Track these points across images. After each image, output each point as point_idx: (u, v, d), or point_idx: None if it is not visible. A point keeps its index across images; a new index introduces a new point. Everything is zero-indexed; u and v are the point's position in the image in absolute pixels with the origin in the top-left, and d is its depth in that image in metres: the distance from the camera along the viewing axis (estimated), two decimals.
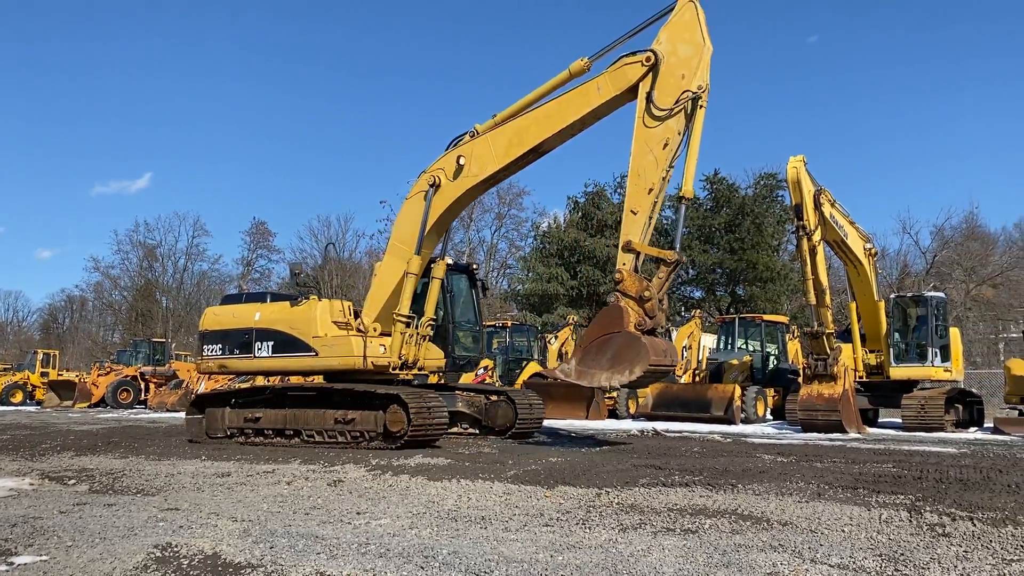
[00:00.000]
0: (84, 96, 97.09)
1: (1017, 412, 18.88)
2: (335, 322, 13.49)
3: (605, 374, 11.05)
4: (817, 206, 16.92)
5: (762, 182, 46.74)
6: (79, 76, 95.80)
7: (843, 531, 6.23)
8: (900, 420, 18.94)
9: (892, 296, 21.14)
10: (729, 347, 25.49)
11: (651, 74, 11.59)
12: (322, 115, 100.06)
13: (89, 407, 33.89)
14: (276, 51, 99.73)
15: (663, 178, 11.54)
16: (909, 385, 19.41)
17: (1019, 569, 5.03)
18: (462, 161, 13.07)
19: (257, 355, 14.06)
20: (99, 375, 35.53)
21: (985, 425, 20.08)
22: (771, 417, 23.02)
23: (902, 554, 5.43)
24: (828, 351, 17.20)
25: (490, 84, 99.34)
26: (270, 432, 13.64)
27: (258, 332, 14.08)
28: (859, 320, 20.10)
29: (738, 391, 21.64)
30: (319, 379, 14.55)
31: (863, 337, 20.11)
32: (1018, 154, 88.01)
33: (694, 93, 11.33)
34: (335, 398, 13.06)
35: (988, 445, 14.61)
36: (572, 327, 29.85)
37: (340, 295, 53.49)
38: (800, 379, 18.05)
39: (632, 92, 11.84)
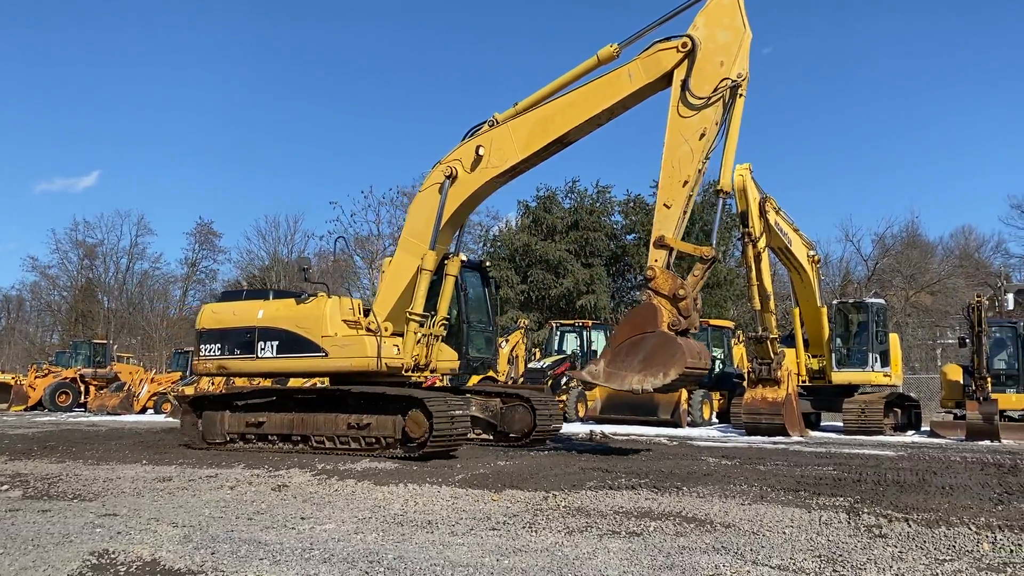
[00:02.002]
0: (28, 89, 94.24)
1: (952, 416, 19.41)
2: (344, 321, 12.73)
3: (636, 376, 10.48)
4: (762, 213, 17.21)
5: (710, 189, 47.36)
6: (25, 68, 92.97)
7: (784, 533, 6.34)
8: (841, 424, 19.34)
9: (834, 302, 21.58)
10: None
11: (687, 61, 11.04)
12: (272, 114, 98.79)
13: (25, 410, 32.87)
14: (229, 48, 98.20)
15: (699, 170, 10.98)
16: (850, 389, 19.82)
17: (951, 569, 5.18)
18: (481, 151, 12.37)
19: (260, 355, 13.13)
20: (36, 377, 34.49)
21: (922, 428, 20.61)
22: (717, 420, 23.33)
23: (840, 555, 5.56)
24: (772, 356, 17.51)
25: (452, 85, 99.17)
26: (274, 437, 12.78)
27: (261, 331, 13.16)
28: (802, 326, 20.48)
29: (685, 395, 21.89)
30: (322, 381, 13.99)
31: (806, 342, 20.50)
32: (957, 165, 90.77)
33: (733, 81, 10.79)
34: (348, 401, 12.26)
35: (924, 448, 15.01)
36: (523, 331, 29.90)
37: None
38: (745, 383, 18.33)
39: (666, 80, 11.28)
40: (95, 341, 41.37)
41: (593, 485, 8.82)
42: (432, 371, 13.37)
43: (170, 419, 25.20)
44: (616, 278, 47.88)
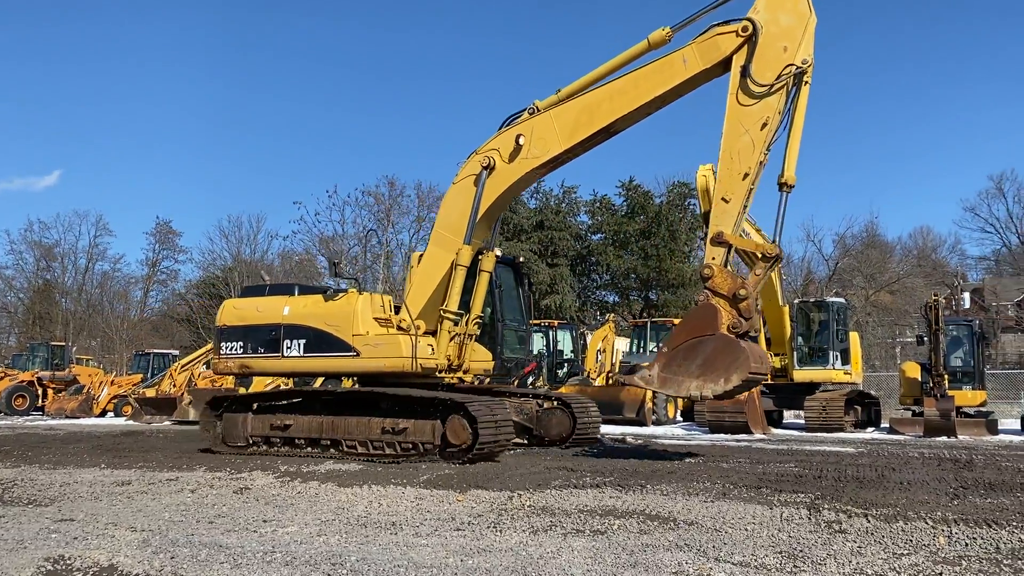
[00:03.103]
0: None
1: (911, 413, 19.78)
2: (376, 319, 12.13)
3: (695, 382, 9.79)
4: None
5: (675, 190, 47.82)
6: None
7: (746, 530, 6.40)
8: (803, 421, 19.61)
9: (796, 302, 21.88)
10: (641, 350, 26.00)
11: (747, 46, 10.44)
12: (234, 112, 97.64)
13: None
14: (189, 46, 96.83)
15: (760, 162, 10.34)
16: (811, 387, 20.11)
17: (908, 563, 5.26)
18: (521, 141, 11.70)
19: (286, 354, 12.44)
20: None
21: (882, 425, 20.99)
22: (681, 419, 23.53)
23: (801, 551, 5.62)
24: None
25: (419, 82, 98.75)
26: (301, 441, 12.19)
27: (287, 328, 12.49)
28: (764, 324, 20.71)
29: (649, 394, 22.04)
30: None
31: (768, 341, 20.73)
32: (915, 167, 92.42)
33: (798, 67, 10.20)
34: (381, 404, 11.64)
35: (884, 444, 15.27)
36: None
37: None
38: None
39: (723, 66, 10.69)
40: (53, 343, 40.54)
41: (558, 484, 8.84)
42: (465, 372, 12.81)
43: (130, 422, 24.84)
44: (581, 278, 48.08)
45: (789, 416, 22.64)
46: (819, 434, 18.20)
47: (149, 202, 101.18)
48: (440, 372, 12.17)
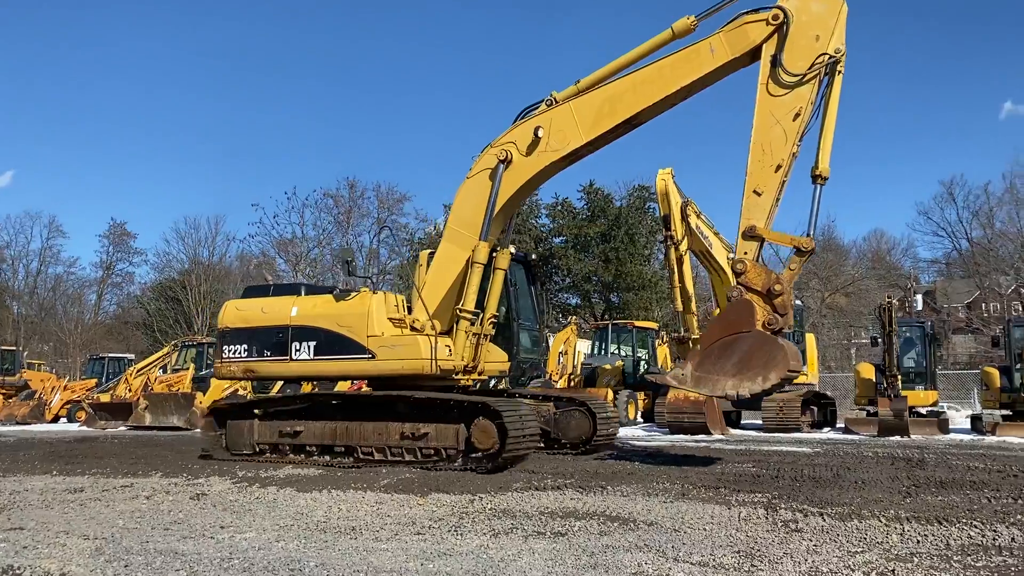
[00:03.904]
0: None
1: (866, 413, 20.13)
2: (390, 319, 11.63)
3: (731, 381, 9.41)
4: (684, 217, 17.57)
5: (635, 194, 48.23)
6: None
7: (704, 529, 6.47)
8: (761, 421, 19.86)
9: None
10: (603, 352, 26.16)
11: (777, 35, 10.20)
12: (190, 113, 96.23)
13: None
14: (143, 46, 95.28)
15: (792, 154, 10.06)
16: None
17: (862, 560, 5.36)
18: (540, 133, 11.28)
19: (295, 357, 11.86)
20: None
21: (837, 425, 21.33)
22: (642, 420, 23.70)
23: (758, 550, 5.69)
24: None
25: (378, 86, 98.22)
26: (313, 448, 11.65)
27: (295, 330, 11.92)
28: None
29: (611, 395, 22.18)
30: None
31: None
32: (870, 172, 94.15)
33: (831, 57, 9.95)
34: (398, 408, 11.15)
35: (839, 444, 15.53)
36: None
37: (209, 300, 51.64)
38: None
39: (751, 56, 10.43)
40: (3, 348, 39.53)
41: (519, 487, 8.85)
42: (480, 374, 12.34)
43: (84, 428, 24.35)
44: (543, 281, 48.21)
45: (747, 417, 22.90)
46: (776, 434, 18.45)
47: (104, 203, 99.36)
48: (456, 374, 11.72)
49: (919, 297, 58.66)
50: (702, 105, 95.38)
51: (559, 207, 48.01)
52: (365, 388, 22.36)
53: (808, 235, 10.05)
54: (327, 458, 11.43)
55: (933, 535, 6.14)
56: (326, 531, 6.58)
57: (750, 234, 10.02)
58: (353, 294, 11.95)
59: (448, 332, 11.69)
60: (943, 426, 18.71)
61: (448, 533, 6.42)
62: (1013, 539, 5.99)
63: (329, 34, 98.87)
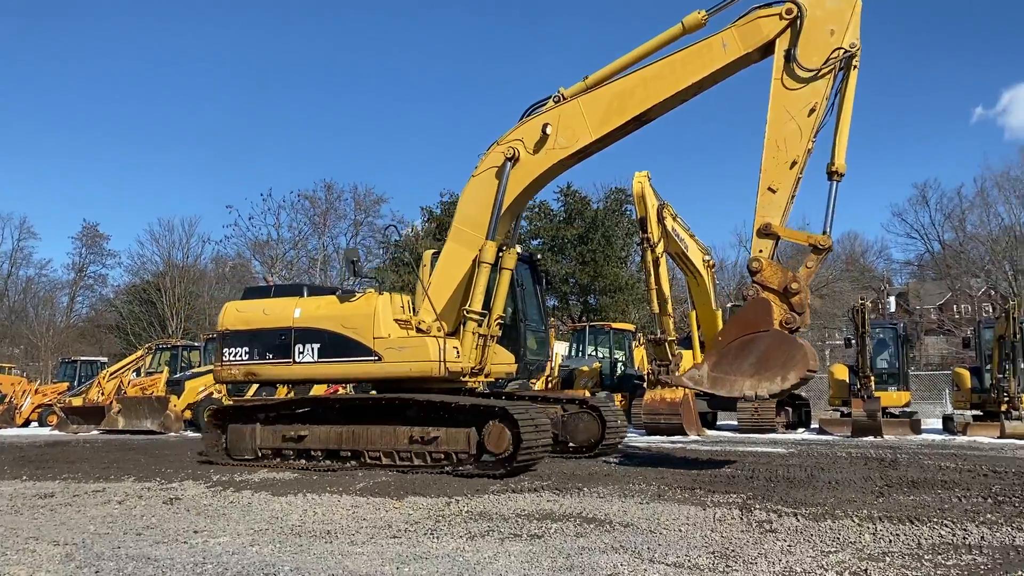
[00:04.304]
0: None
1: (839, 413, 20.36)
2: (396, 320, 11.39)
3: (749, 381, 9.26)
4: (660, 220, 17.61)
5: (612, 196, 48.40)
6: None
7: (680, 530, 6.50)
8: (736, 422, 19.99)
9: (728, 306, 22.32)
10: (580, 354, 26.22)
11: (790, 29, 10.09)
12: (165, 113, 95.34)
13: None
14: (115, 46, 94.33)
15: (807, 150, 9.94)
16: None
17: (836, 560, 5.41)
18: (548, 130, 11.10)
19: (298, 360, 11.59)
20: None
21: (812, 426, 21.54)
22: None
23: (733, 551, 5.73)
24: (670, 357, 17.96)
25: (353, 87, 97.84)
26: (318, 453, 11.33)
27: (299, 332, 11.65)
28: (699, 328, 21.07)
29: (588, 396, 22.23)
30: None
31: (702, 344, 21.07)
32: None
33: (847, 51, 9.84)
34: (407, 412, 10.86)
35: (813, 445, 15.67)
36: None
37: (183, 303, 51.16)
38: (645, 384, 18.75)
39: (764, 51, 10.32)
40: None
41: (496, 489, 8.85)
42: (486, 376, 12.12)
43: (55, 432, 24.03)
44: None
45: (723, 418, 23.06)
46: (751, 435, 18.60)
47: (76, 205, 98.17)
48: (464, 376, 11.50)
49: (892, 299, 59.39)
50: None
51: (536, 209, 48.03)
52: (342, 391, 22.21)
53: (825, 232, 9.93)
54: (327, 462, 11.21)
55: (905, 534, 6.21)
56: (301, 535, 6.54)
57: (765, 232, 9.89)
58: (358, 295, 11.72)
59: (453, 333, 11.52)
60: (915, 426, 18.95)
61: (424, 536, 6.40)
62: (983, 538, 6.08)
63: (306, 37, 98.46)
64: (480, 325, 11.52)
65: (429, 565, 5.42)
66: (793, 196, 10.00)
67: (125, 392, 24.71)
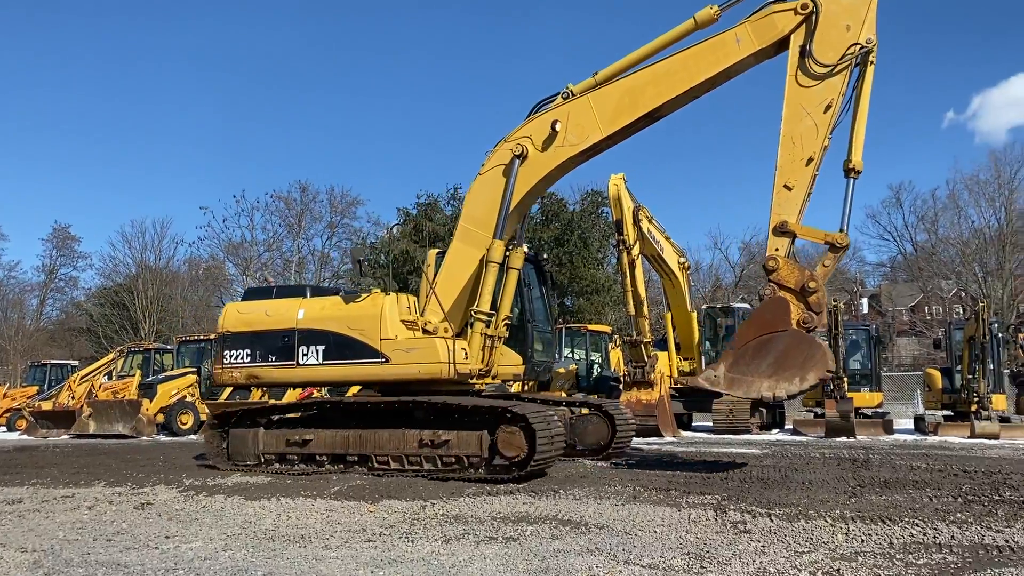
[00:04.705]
0: None
1: (813, 414, 20.55)
2: (403, 321, 11.12)
3: (767, 382, 9.10)
4: (636, 222, 17.72)
5: (588, 199, 48.52)
6: None
7: (655, 532, 6.52)
8: (711, 424, 20.12)
9: (703, 307, 22.47)
10: (556, 356, 26.26)
11: (805, 25, 9.97)
12: (137, 114, 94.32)
13: None
14: (85, 45, 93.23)
15: (824, 147, 9.80)
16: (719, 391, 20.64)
17: (809, 560, 5.44)
18: (557, 127, 10.92)
19: (302, 362, 11.30)
20: None
21: (786, 427, 21.71)
22: None
23: (707, 552, 5.75)
24: (646, 359, 18.04)
25: (325, 87, 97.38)
26: (323, 458, 11.02)
27: (302, 334, 11.37)
28: (674, 330, 21.20)
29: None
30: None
31: (678, 346, 21.22)
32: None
33: (863, 47, 9.72)
34: (416, 415, 10.63)
35: (787, 445, 15.79)
36: None
37: (156, 305, 50.65)
38: (621, 386, 18.81)
39: (778, 47, 10.19)
40: None
41: (472, 492, 8.83)
42: (493, 377, 11.83)
43: (24, 436, 23.65)
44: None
45: (698, 419, 23.18)
46: (726, 436, 18.70)
47: (46, 206, 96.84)
48: (471, 378, 11.28)
49: (864, 300, 60.04)
50: None
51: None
52: (317, 394, 22.05)
53: (842, 230, 9.80)
54: (333, 467, 10.94)
55: (877, 534, 6.26)
56: (274, 539, 6.48)
57: (781, 230, 9.75)
58: (364, 295, 11.49)
59: (459, 334, 11.33)
60: (888, 427, 19.15)
61: (399, 540, 6.37)
62: (953, 537, 6.15)
63: (281, 37, 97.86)
64: (487, 326, 11.28)
65: (403, 569, 5.39)
66: (809, 194, 9.89)
67: (96, 396, 24.40)
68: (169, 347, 30.70)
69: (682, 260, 20.55)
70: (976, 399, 18.24)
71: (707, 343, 21.26)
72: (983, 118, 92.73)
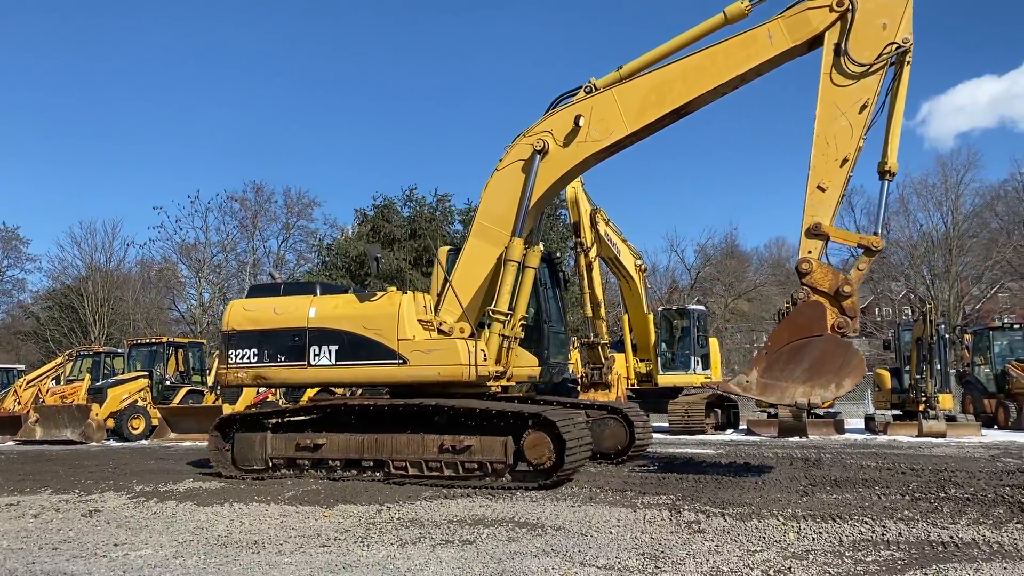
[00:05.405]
0: None
1: (767, 415, 20.84)
2: (419, 321, 10.77)
3: (801, 388, 8.86)
4: (593, 225, 17.83)
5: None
6: None
7: (611, 533, 6.56)
8: (667, 424, 20.30)
9: (660, 309, 22.66)
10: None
11: (840, 22, 9.73)
12: (86, 112, 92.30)
13: None
14: (31, 41, 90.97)
15: (858, 148, 9.59)
16: (674, 391, 20.86)
17: (761, 559, 5.52)
18: (580, 122, 10.59)
19: (313, 363, 10.89)
20: None
21: (740, 427, 22.00)
22: None
23: (662, 552, 5.80)
24: (603, 360, 18.15)
25: (287, 80, 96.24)
26: (336, 463, 10.59)
27: (314, 333, 10.94)
28: (631, 331, 21.37)
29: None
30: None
31: (635, 347, 21.40)
32: (770, 181, 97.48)
33: (899, 46, 9.50)
34: (436, 418, 10.24)
35: (741, 445, 16.00)
36: None
37: (107, 308, 49.64)
38: (579, 387, 18.89)
39: (810, 44, 9.98)
40: None
41: (428, 495, 8.80)
42: (508, 379, 11.50)
43: None
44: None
45: (653, 419, 23.36)
46: (682, 436, 18.89)
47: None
48: (489, 380, 10.90)
49: None
50: None
51: (472, 213, 48.05)
52: (272, 397, 21.74)
53: (876, 233, 9.60)
54: (347, 472, 10.53)
55: (827, 532, 6.38)
56: (227, 546, 6.39)
57: (815, 232, 9.44)
58: (379, 294, 11.11)
59: (472, 335, 10.96)
60: (839, 426, 19.51)
61: (354, 544, 6.32)
62: (900, 534, 6.28)
63: (236, 28, 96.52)
64: (504, 326, 10.97)
65: (358, 574, 5.35)
66: (843, 195, 9.66)
67: (43, 401, 23.82)
68: (120, 351, 30.07)
69: (639, 262, 20.71)
70: (924, 399, 18.65)
71: (663, 344, 21.44)
72: (931, 124, 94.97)
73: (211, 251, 50.65)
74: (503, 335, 10.89)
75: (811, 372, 8.87)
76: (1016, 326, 23.49)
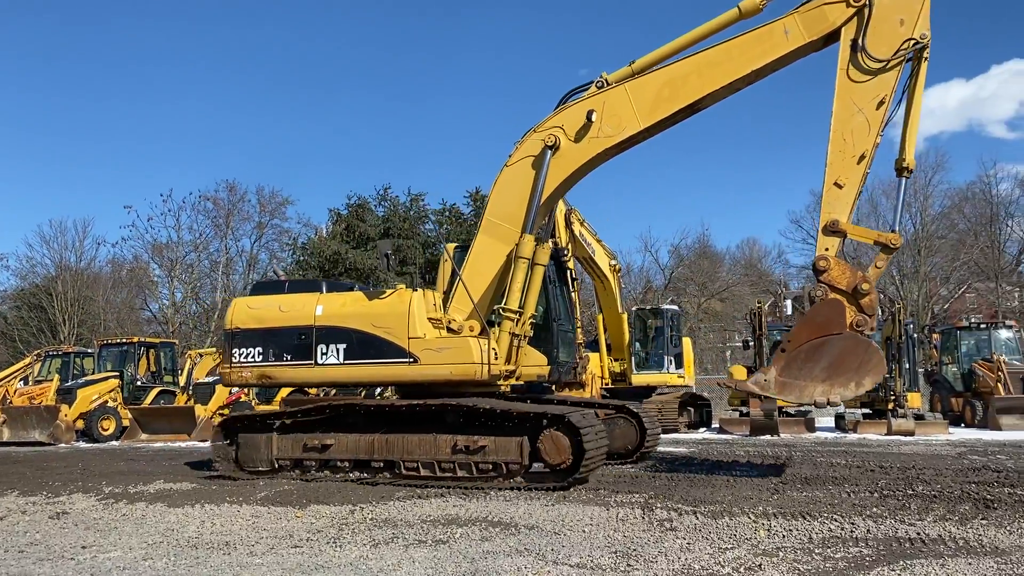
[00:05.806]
0: None
1: (739, 413, 21.01)
2: (430, 319, 10.58)
3: (820, 387, 8.84)
4: (568, 225, 17.85)
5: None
6: None
7: (584, 531, 6.59)
8: None
9: (633, 309, 22.76)
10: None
11: (857, 18, 9.65)
12: (54, 109, 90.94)
13: None
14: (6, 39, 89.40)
15: (875, 144, 9.51)
16: (648, 390, 20.97)
17: (732, 556, 5.57)
18: (593, 117, 10.44)
19: (321, 361, 10.68)
20: None
21: (713, 425, 22.16)
22: None
23: (634, 550, 5.84)
24: (578, 360, 18.18)
25: (261, 77, 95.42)
26: (345, 464, 10.34)
27: (321, 331, 10.72)
28: (605, 331, 21.44)
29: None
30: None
31: (609, 347, 21.47)
32: (743, 182, 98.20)
33: (917, 42, 9.44)
34: (448, 418, 10.03)
35: (714, 444, 16.13)
36: None
37: (77, 307, 48.98)
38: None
39: (826, 40, 9.90)
40: None
41: (402, 495, 8.78)
42: (517, 378, 11.31)
43: None
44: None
45: None
46: None
47: None
48: (500, 379, 10.70)
49: (788, 302, 61.53)
50: None
51: (447, 213, 47.94)
52: (244, 398, 21.53)
53: (894, 231, 9.57)
54: (356, 474, 10.30)
55: (797, 529, 6.45)
56: (198, 547, 6.34)
57: (832, 229, 9.35)
58: (388, 291, 10.89)
59: (481, 333, 10.77)
60: (810, 425, 19.71)
61: (327, 545, 6.29)
62: (868, 531, 6.36)
63: (208, 24, 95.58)
64: (515, 324, 10.77)
65: (331, 574, 5.33)
66: (859, 192, 9.62)
67: (11, 402, 23.45)
68: (90, 351, 29.66)
69: (613, 263, 20.78)
70: (892, 397, 18.91)
71: (637, 344, 21.54)
72: (898, 127, 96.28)
73: (183, 250, 50.10)
74: (513, 333, 10.70)
75: (830, 371, 8.84)
76: (983, 326, 23.86)
